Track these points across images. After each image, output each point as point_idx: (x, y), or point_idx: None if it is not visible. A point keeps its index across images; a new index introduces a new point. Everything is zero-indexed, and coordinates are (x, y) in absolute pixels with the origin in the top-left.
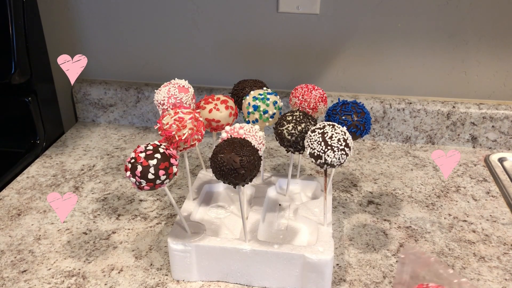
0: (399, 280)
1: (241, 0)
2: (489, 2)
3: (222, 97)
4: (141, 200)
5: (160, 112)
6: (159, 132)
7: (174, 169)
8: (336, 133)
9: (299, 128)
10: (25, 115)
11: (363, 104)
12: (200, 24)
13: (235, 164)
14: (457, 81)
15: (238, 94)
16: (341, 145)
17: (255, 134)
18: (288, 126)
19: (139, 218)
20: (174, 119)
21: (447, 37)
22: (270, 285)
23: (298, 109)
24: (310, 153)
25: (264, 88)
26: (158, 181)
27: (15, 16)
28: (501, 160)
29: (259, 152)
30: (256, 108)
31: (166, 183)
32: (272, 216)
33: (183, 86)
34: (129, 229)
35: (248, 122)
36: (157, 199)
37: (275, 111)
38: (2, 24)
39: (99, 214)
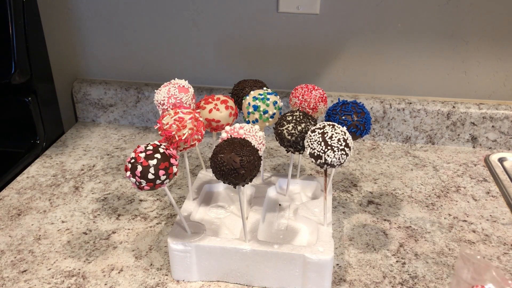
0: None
1: (241, 0)
2: (489, 2)
3: (222, 97)
4: (141, 200)
5: (160, 112)
6: (159, 132)
7: (174, 169)
8: (336, 133)
9: (299, 128)
10: (25, 115)
11: (363, 104)
12: (200, 24)
13: (235, 164)
14: (457, 81)
15: (238, 94)
16: (341, 145)
17: (255, 134)
18: (288, 126)
19: (139, 218)
20: (174, 119)
21: (447, 37)
22: (270, 285)
23: (298, 109)
24: (310, 153)
25: (264, 88)
26: (158, 181)
27: (15, 16)
28: (501, 160)
29: (259, 152)
30: (256, 108)
31: (166, 183)
32: (272, 216)
33: (183, 86)
34: (129, 229)
35: (248, 122)
36: (157, 199)
37: (275, 111)
38: (2, 24)
39: (99, 214)
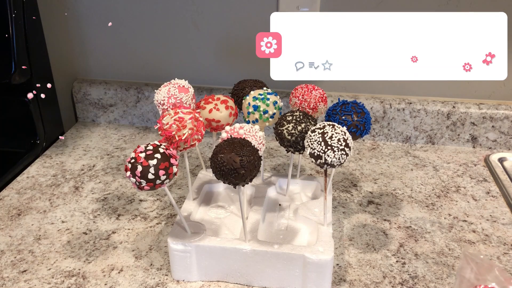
0: (463, 275)
1: (241, 0)
2: (489, 2)
3: (222, 97)
4: (141, 200)
5: (160, 112)
6: (159, 132)
7: (174, 169)
8: (336, 133)
9: (299, 128)
10: (25, 115)
11: (363, 104)
12: (200, 24)
13: (235, 164)
14: (457, 81)
15: (238, 94)
16: (341, 145)
17: (255, 134)
18: (288, 126)
19: (139, 218)
20: (174, 119)
21: None
22: (270, 285)
23: (298, 109)
24: (310, 153)
25: (264, 88)
26: (158, 181)
27: (15, 16)
28: (501, 160)
29: (259, 152)
30: (256, 108)
31: (166, 183)
32: (272, 216)
33: (183, 86)
34: (129, 229)
35: (248, 122)
36: (157, 199)
37: (275, 111)
38: (2, 24)
39: (99, 214)
